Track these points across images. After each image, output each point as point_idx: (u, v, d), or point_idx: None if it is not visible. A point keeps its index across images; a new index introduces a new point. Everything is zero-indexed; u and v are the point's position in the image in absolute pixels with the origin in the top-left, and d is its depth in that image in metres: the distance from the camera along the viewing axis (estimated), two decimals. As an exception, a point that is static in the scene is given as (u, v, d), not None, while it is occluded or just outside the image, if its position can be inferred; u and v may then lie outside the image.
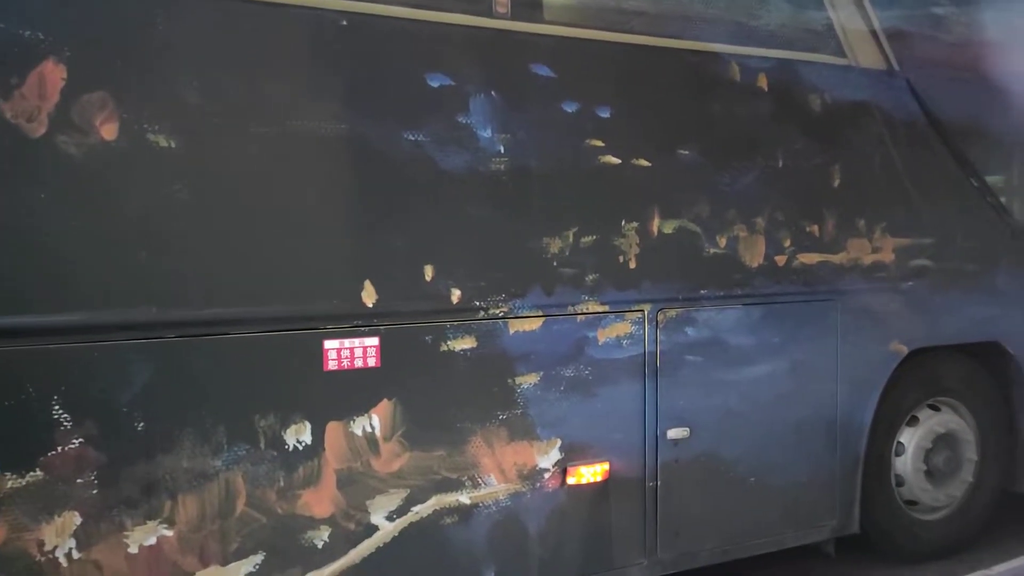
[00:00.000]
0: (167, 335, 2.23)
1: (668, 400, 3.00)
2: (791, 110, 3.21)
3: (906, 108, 3.47)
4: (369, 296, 2.46)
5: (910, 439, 3.63)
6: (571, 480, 2.82)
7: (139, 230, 2.19)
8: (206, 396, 2.28)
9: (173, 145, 2.19)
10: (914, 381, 3.61)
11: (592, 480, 2.86)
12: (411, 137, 2.50)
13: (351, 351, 2.44)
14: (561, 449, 2.81)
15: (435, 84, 2.53)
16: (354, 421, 2.46)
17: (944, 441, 3.69)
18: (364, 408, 2.48)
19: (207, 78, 2.25)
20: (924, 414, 3.69)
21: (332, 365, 2.42)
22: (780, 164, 3.20)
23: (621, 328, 2.91)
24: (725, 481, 3.12)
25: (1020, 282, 3.80)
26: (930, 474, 3.67)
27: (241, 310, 2.33)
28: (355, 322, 2.46)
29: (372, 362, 2.48)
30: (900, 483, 3.66)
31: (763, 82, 3.14)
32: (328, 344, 2.41)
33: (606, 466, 2.89)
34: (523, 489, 2.75)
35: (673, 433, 3.01)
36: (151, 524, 2.20)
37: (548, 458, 2.79)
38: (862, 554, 3.63)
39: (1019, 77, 3.76)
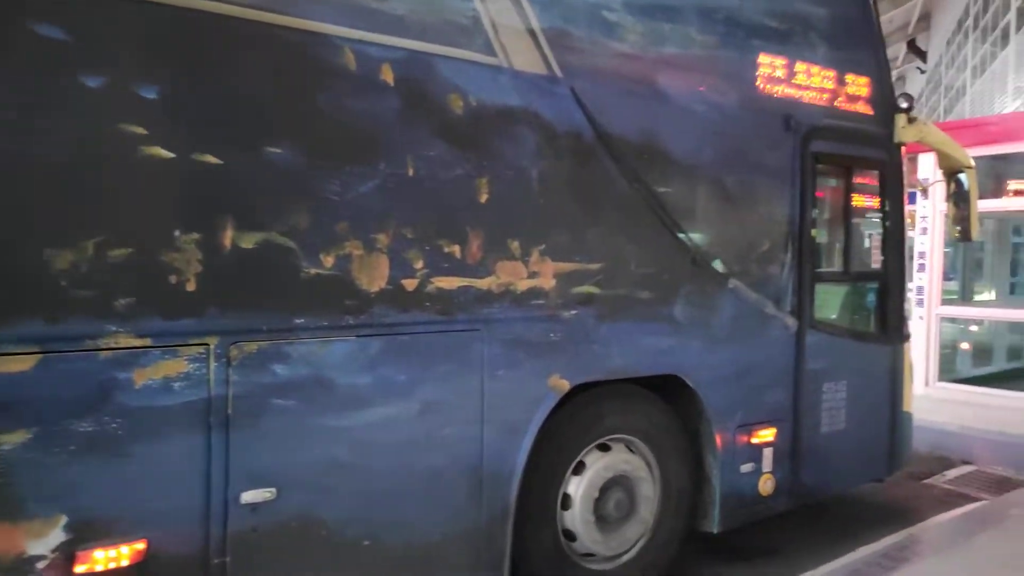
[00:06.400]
0: None
1: (244, 456, 2.42)
2: (425, 111, 2.77)
3: (570, 119, 3.14)
4: None
5: (576, 489, 3.30)
6: (81, 568, 2.15)
7: None
8: None
9: None
10: (579, 420, 3.29)
11: (117, 565, 2.21)
12: None
13: None
14: (67, 528, 2.14)
15: None
16: None
17: (615, 484, 3.40)
18: None
19: None
20: (591, 458, 3.37)
21: None
22: (410, 173, 2.74)
23: (171, 367, 2.29)
24: (327, 547, 2.59)
25: (701, 312, 3.61)
26: (602, 521, 3.37)
27: None
28: None
29: None
30: (572, 538, 3.32)
31: (387, 75, 2.67)
32: None
33: (141, 545, 2.25)
34: (-1, 586, 2.05)
35: (250, 496, 2.43)
36: None
37: (44, 542, 2.10)
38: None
39: (700, 94, 3.60)
